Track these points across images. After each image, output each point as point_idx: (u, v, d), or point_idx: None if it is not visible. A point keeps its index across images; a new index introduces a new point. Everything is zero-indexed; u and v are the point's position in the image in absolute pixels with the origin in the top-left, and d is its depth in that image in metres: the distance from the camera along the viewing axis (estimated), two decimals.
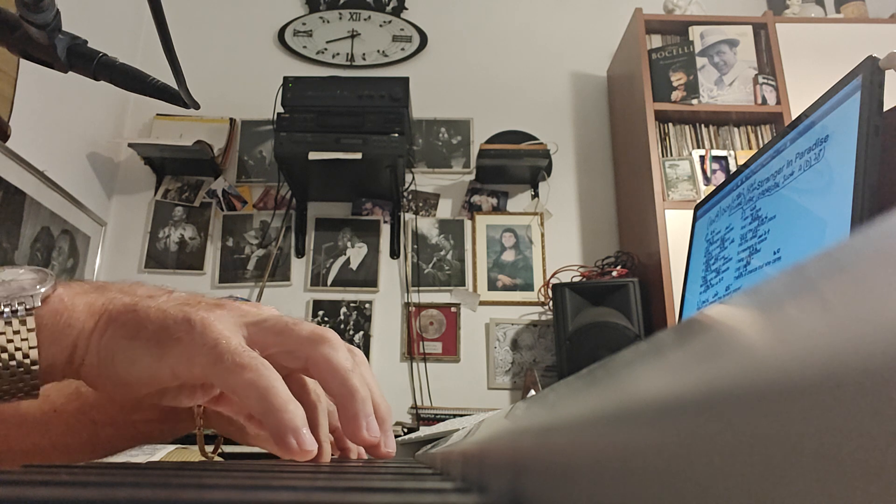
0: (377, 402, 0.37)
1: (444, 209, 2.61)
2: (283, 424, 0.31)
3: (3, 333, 0.31)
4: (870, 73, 0.50)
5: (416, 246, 2.55)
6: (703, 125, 2.41)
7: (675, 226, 2.15)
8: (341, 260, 2.53)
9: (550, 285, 2.27)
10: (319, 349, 0.35)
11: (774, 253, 0.62)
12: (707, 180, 2.29)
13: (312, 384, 0.41)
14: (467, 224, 2.59)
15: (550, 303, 2.34)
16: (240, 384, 0.31)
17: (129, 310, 0.34)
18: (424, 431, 1.15)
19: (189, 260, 2.52)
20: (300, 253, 2.54)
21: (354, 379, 0.35)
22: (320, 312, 2.46)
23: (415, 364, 2.41)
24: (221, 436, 0.50)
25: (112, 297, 0.35)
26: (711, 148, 2.37)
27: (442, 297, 2.49)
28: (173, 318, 0.33)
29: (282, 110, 2.32)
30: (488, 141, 2.59)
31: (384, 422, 0.38)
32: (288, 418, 0.31)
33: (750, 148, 2.38)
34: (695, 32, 2.47)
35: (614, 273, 2.30)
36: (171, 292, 0.37)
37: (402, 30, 2.86)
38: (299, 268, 2.53)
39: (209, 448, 0.50)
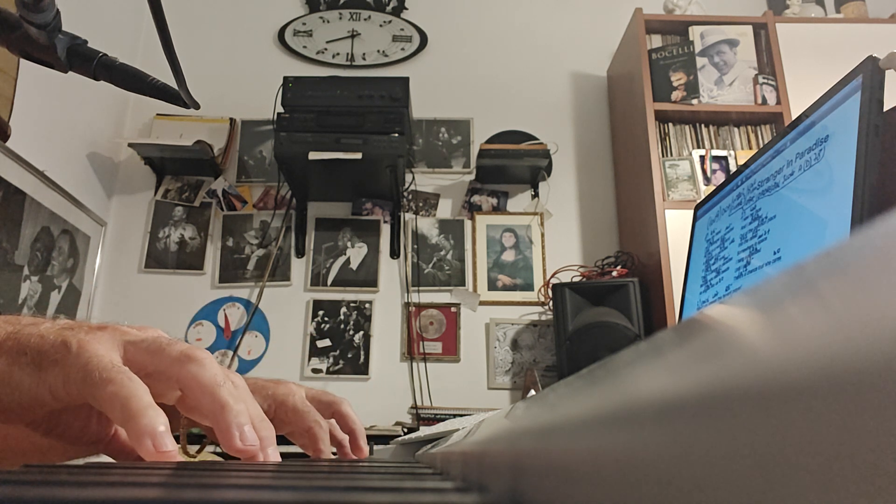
0: (253, 416, 0.38)
1: (444, 209, 2.61)
2: (140, 428, 0.32)
3: None
4: (870, 73, 0.50)
5: (416, 246, 2.55)
6: (703, 125, 2.41)
7: (675, 226, 2.15)
8: (341, 260, 2.53)
9: (550, 285, 2.27)
10: (187, 368, 0.36)
11: (774, 253, 0.62)
12: (707, 180, 2.29)
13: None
14: (467, 224, 2.59)
15: (550, 303, 2.34)
16: (104, 397, 0.32)
17: (11, 337, 0.35)
18: (424, 431, 1.15)
19: (189, 260, 2.52)
20: (300, 253, 2.54)
21: (223, 392, 0.36)
22: (320, 312, 2.46)
23: (415, 364, 2.41)
24: (207, 436, 0.51)
25: None
26: (711, 148, 2.37)
27: (442, 297, 2.49)
28: (51, 342, 0.34)
29: (282, 110, 2.32)
30: (488, 141, 2.59)
31: (264, 438, 0.38)
32: (145, 423, 0.32)
33: (750, 148, 2.38)
34: (695, 32, 2.47)
35: (614, 273, 2.30)
36: (54, 320, 0.38)
37: (402, 30, 2.87)
38: (299, 268, 2.53)
39: (194, 448, 0.51)
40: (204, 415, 0.36)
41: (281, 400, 0.57)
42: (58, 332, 0.35)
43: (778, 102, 2.36)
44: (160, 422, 0.33)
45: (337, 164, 2.24)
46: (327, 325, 2.45)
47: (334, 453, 0.59)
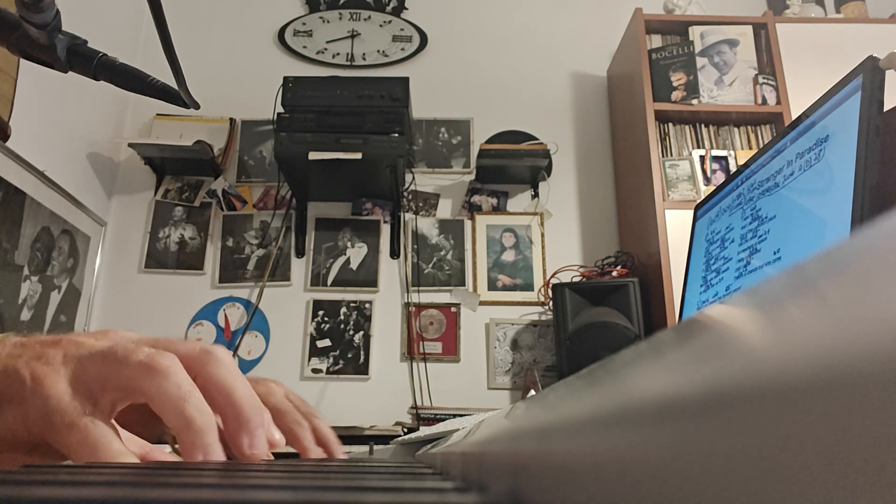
0: (240, 403, 0.36)
1: (444, 209, 2.61)
2: None
3: None
4: (870, 73, 0.50)
5: (416, 246, 2.55)
6: (703, 125, 2.41)
7: (675, 226, 2.15)
8: (341, 260, 2.53)
9: (550, 285, 2.27)
10: (149, 381, 0.33)
11: (774, 253, 0.62)
12: (707, 180, 2.29)
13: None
14: (467, 224, 2.59)
15: (550, 303, 2.34)
16: (70, 445, 0.31)
17: None
18: (424, 431, 1.15)
19: (189, 260, 2.52)
20: (300, 253, 2.54)
21: (188, 409, 0.33)
22: (320, 312, 2.46)
23: (415, 364, 2.41)
24: None
25: None
26: (711, 148, 2.37)
27: (442, 297, 2.49)
28: (2, 373, 0.32)
29: (282, 110, 2.32)
30: (488, 141, 2.59)
31: (254, 429, 0.36)
32: None
33: (750, 148, 2.38)
34: (695, 32, 2.47)
35: (614, 273, 2.30)
36: (2, 341, 0.35)
37: (402, 30, 2.87)
38: (299, 268, 2.53)
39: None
40: (170, 427, 0.34)
41: (262, 400, 0.56)
42: (7, 361, 0.33)
43: (778, 102, 2.36)
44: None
45: (337, 164, 2.24)
46: (327, 325, 2.45)
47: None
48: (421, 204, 2.61)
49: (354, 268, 2.52)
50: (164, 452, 0.36)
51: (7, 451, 0.34)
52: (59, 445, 0.32)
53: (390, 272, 2.54)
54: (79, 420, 0.31)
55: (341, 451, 0.58)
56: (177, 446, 0.49)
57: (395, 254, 2.54)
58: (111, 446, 0.31)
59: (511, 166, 2.52)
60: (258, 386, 0.58)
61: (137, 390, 0.33)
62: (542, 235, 2.57)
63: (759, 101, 2.37)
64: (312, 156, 2.20)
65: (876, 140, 0.48)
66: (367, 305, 2.48)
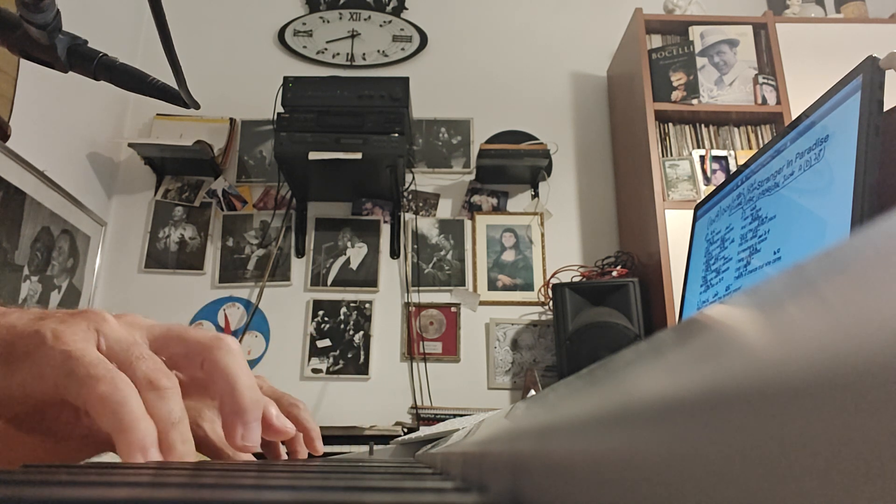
0: (240, 393, 0.37)
1: (444, 209, 2.61)
2: (132, 442, 0.29)
3: None
4: (870, 73, 0.50)
5: (416, 246, 2.55)
6: (703, 125, 2.41)
7: (675, 226, 2.15)
8: (341, 260, 2.53)
9: (550, 285, 2.27)
10: (216, 354, 0.35)
11: (774, 253, 0.62)
12: (707, 180, 2.29)
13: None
14: (467, 224, 2.59)
15: (550, 303, 2.34)
16: (93, 397, 0.30)
17: None
18: (424, 431, 1.15)
19: (189, 260, 2.52)
20: (300, 253, 2.54)
21: (243, 388, 0.35)
22: (320, 312, 2.46)
23: (415, 364, 2.41)
24: None
25: None
26: (711, 148, 2.37)
27: (442, 297, 2.49)
28: (21, 333, 0.31)
29: (282, 110, 2.32)
30: (488, 141, 2.59)
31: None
32: (139, 437, 0.30)
33: (750, 148, 2.38)
34: (695, 32, 2.47)
35: (614, 273, 2.30)
36: (25, 309, 0.34)
37: (402, 30, 2.87)
38: (299, 268, 2.53)
39: None
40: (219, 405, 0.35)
41: None
42: (28, 322, 0.32)
43: (778, 102, 2.36)
44: (152, 439, 0.30)
45: (337, 164, 2.24)
46: (327, 325, 2.45)
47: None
48: (421, 204, 2.61)
49: (354, 268, 2.52)
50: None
51: (11, 412, 0.33)
52: (77, 397, 0.30)
53: (390, 272, 2.54)
54: (105, 373, 0.30)
55: (321, 444, 0.59)
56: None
57: (395, 254, 2.54)
58: (136, 407, 0.30)
59: (511, 166, 2.52)
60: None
61: (168, 355, 0.35)
62: (542, 235, 2.57)
63: (759, 101, 2.37)
64: (312, 156, 2.20)
65: (876, 140, 0.48)
66: (367, 305, 2.48)
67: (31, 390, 0.31)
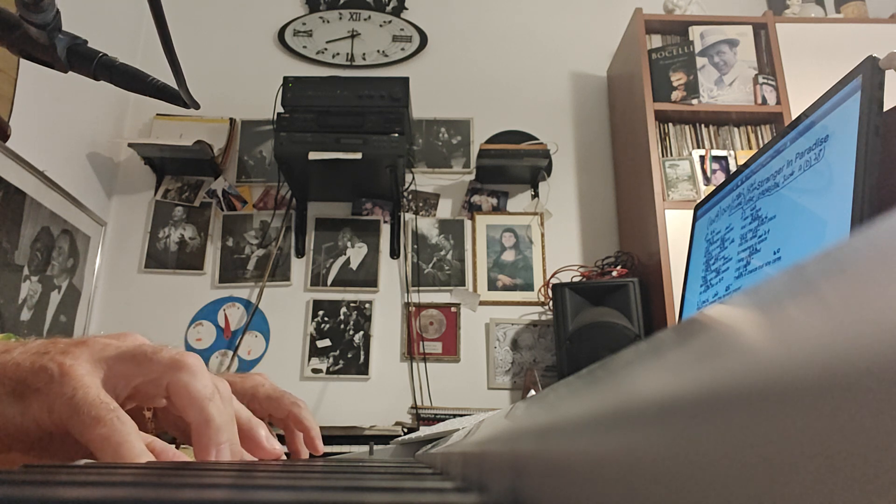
0: (242, 419, 0.38)
1: (444, 209, 2.61)
2: None
3: None
4: (870, 73, 0.50)
5: (416, 246, 2.55)
6: (703, 125, 2.41)
7: (675, 226, 2.15)
8: (341, 260, 2.53)
9: (550, 285, 2.27)
10: (178, 376, 0.35)
11: (774, 253, 0.62)
12: (707, 180, 2.29)
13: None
14: (467, 224, 2.59)
15: (550, 303, 2.34)
16: (94, 439, 0.32)
17: None
18: (424, 431, 1.15)
19: (189, 260, 2.52)
20: (300, 253, 2.54)
21: (211, 408, 0.35)
22: (320, 312, 2.46)
23: (415, 364, 2.41)
24: (176, 437, 0.51)
25: None
26: (711, 148, 2.37)
27: (442, 297, 2.49)
28: (29, 369, 0.33)
29: (282, 110, 2.32)
30: (488, 141, 2.59)
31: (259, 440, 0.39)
32: None
33: (750, 148, 2.38)
34: (695, 32, 2.47)
35: (614, 273, 2.30)
36: (25, 343, 0.36)
37: (402, 30, 2.87)
38: (299, 268, 2.53)
39: None
40: (188, 424, 0.36)
41: (251, 393, 0.57)
42: (33, 358, 0.34)
43: (778, 102, 2.36)
44: None
45: (337, 164, 2.24)
46: (327, 325, 2.45)
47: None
48: (421, 204, 2.61)
49: (354, 268, 2.52)
50: (176, 452, 0.36)
51: (27, 443, 0.35)
52: (81, 437, 0.32)
53: (390, 272, 2.54)
54: (106, 415, 0.32)
55: (321, 442, 0.60)
56: (184, 446, 0.48)
57: (395, 254, 2.54)
58: (134, 446, 0.32)
59: (511, 166, 2.52)
60: (245, 381, 0.58)
61: (165, 384, 0.35)
62: (542, 235, 2.57)
63: (759, 101, 2.37)
64: (312, 156, 2.20)
65: (876, 140, 0.48)
66: (367, 305, 2.48)
67: (44, 424, 0.33)
